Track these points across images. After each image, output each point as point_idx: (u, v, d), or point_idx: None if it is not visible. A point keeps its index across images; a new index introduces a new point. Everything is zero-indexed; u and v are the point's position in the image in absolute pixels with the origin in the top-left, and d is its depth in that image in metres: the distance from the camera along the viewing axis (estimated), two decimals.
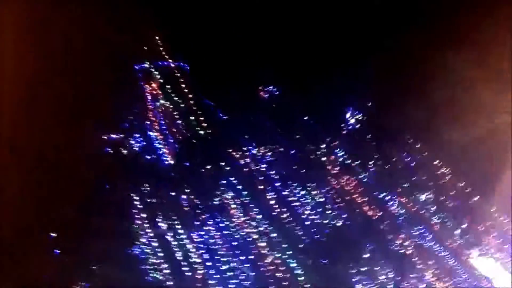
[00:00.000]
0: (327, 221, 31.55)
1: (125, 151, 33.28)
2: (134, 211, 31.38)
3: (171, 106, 34.37)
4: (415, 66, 31.97)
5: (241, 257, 30.19)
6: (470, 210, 31.77)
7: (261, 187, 32.49)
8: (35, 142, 29.71)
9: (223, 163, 32.68)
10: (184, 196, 31.91)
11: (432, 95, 31.04)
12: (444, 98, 31.03)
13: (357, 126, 33.67)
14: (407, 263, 30.29)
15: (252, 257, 30.02)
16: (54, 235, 30.20)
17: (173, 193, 32.01)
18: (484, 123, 30.76)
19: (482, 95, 30.61)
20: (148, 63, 34.80)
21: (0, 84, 28.62)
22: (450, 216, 31.75)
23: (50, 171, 29.98)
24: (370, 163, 32.68)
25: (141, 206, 31.53)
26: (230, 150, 33.22)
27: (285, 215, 31.63)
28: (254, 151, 33.28)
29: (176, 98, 34.30)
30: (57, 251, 29.71)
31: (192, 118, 33.93)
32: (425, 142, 32.49)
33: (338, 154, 33.15)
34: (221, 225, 31.34)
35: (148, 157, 33.28)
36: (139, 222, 31.26)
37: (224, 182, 32.26)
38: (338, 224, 31.53)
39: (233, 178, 32.36)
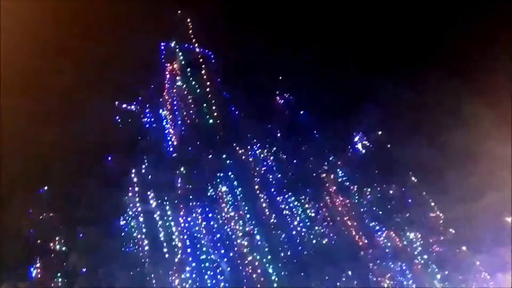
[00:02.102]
0: (312, 236, 31.57)
1: (132, 123, 33.59)
2: (128, 183, 31.65)
3: (187, 90, 34.55)
4: (434, 110, 32.24)
5: (221, 251, 30.30)
6: (455, 259, 31.69)
7: (256, 188, 32.53)
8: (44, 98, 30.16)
9: (225, 156, 32.76)
10: (179, 180, 32.07)
11: (445, 142, 31.21)
12: (456, 147, 31.15)
13: (363, 152, 33.73)
14: None
15: (232, 253, 30.10)
16: (44, 189, 30.61)
17: (169, 174, 32.18)
18: (490, 178, 30.79)
19: (495, 148, 30.68)
20: (174, 42, 35.03)
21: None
22: (434, 260, 31.63)
23: (54, 127, 30.40)
24: (368, 190, 32.67)
25: (135, 180, 31.80)
26: (234, 145, 33.29)
27: (273, 221, 31.67)
28: (258, 152, 33.37)
29: (193, 83, 34.46)
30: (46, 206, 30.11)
31: (205, 105, 34.04)
32: (426, 183, 32.48)
33: (338, 175, 33.21)
34: (209, 215, 31.45)
35: (153, 134, 33.54)
36: (130, 194, 31.52)
37: (222, 175, 32.34)
38: (323, 242, 31.53)
39: (231, 173, 32.44)
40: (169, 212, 31.12)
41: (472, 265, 31.35)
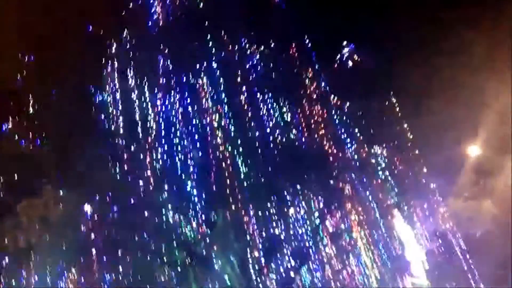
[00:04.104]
0: (284, 138, 31.95)
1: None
2: (108, 58, 30.54)
3: None
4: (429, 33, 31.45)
5: (194, 137, 30.52)
6: (413, 179, 33.50)
7: (238, 81, 31.95)
8: None
9: (210, 44, 31.57)
10: (161, 62, 31.12)
11: (435, 67, 31.03)
12: (444, 74, 31.10)
13: (350, 65, 33.20)
14: (337, 203, 31.88)
15: (205, 146, 30.46)
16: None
17: (149, 55, 31.08)
18: (468, 110, 31.40)
19: (482, 82, 30.87)
20: None
21: None
22: (394, 176, 33.27)
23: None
24: (347, 103, 32.75)
25: (115, 58, 30.66)
26: (222, 34, 31.90)
27: (248, 118, 31.65)
28: (246, 46, 32.23)
29: None
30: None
31: None
32: (405, 105, 32.90)
33: (322, 84, 32.91)
34: (186, 102, 31.17)
35: (140, 14, 31.62)
36: (109, 70, 30.63)
37: (204, 64, 31.44)
38: (293, 145, 32.12)
39: (214, 63, 31.57)
40: (146, 94, 30.65)
41: (427, 186, 33.34)
